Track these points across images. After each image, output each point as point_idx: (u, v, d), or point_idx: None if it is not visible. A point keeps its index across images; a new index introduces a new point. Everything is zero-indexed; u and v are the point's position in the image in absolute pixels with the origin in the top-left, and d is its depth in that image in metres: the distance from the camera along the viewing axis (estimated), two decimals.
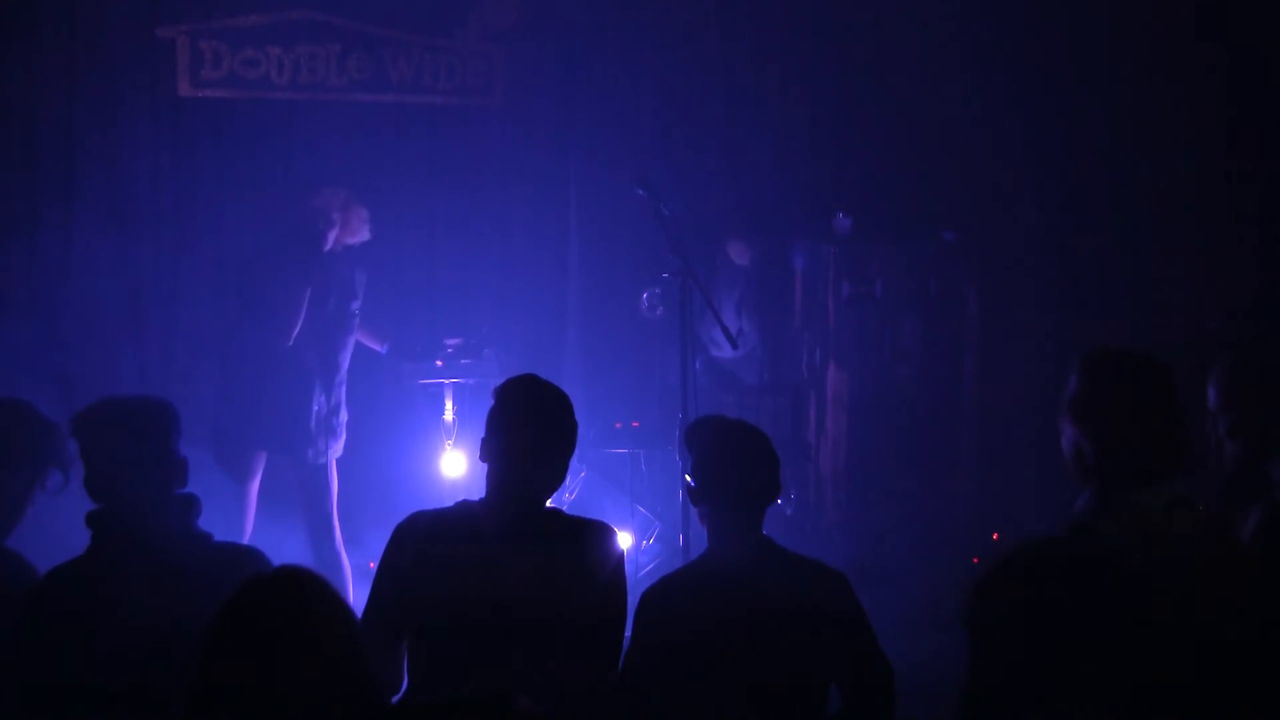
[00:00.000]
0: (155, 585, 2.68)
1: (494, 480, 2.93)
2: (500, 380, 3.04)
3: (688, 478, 3.09)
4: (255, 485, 5.43)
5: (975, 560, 6.05)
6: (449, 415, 6.05)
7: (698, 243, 6.53)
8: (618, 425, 6.26)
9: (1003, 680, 2.29)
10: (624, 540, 5.22)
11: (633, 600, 2.98)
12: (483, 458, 2.96)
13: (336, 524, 5.52)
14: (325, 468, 5.49)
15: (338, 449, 5.54)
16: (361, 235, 5.55)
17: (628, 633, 2.97)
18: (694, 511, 3.12)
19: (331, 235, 5.42)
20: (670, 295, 5.77)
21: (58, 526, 3.38)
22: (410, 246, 6.59)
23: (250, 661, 1.80)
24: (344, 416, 5.56)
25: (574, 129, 6.88)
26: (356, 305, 5.54)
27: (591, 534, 2.95)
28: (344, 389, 5.56)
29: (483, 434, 2.96)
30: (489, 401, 3.00)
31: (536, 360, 5.96)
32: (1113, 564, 2.31)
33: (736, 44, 7.05)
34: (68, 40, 5.99)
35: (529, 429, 2.92)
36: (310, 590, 1.90)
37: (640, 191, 5.22)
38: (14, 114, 5.95)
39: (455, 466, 5.97)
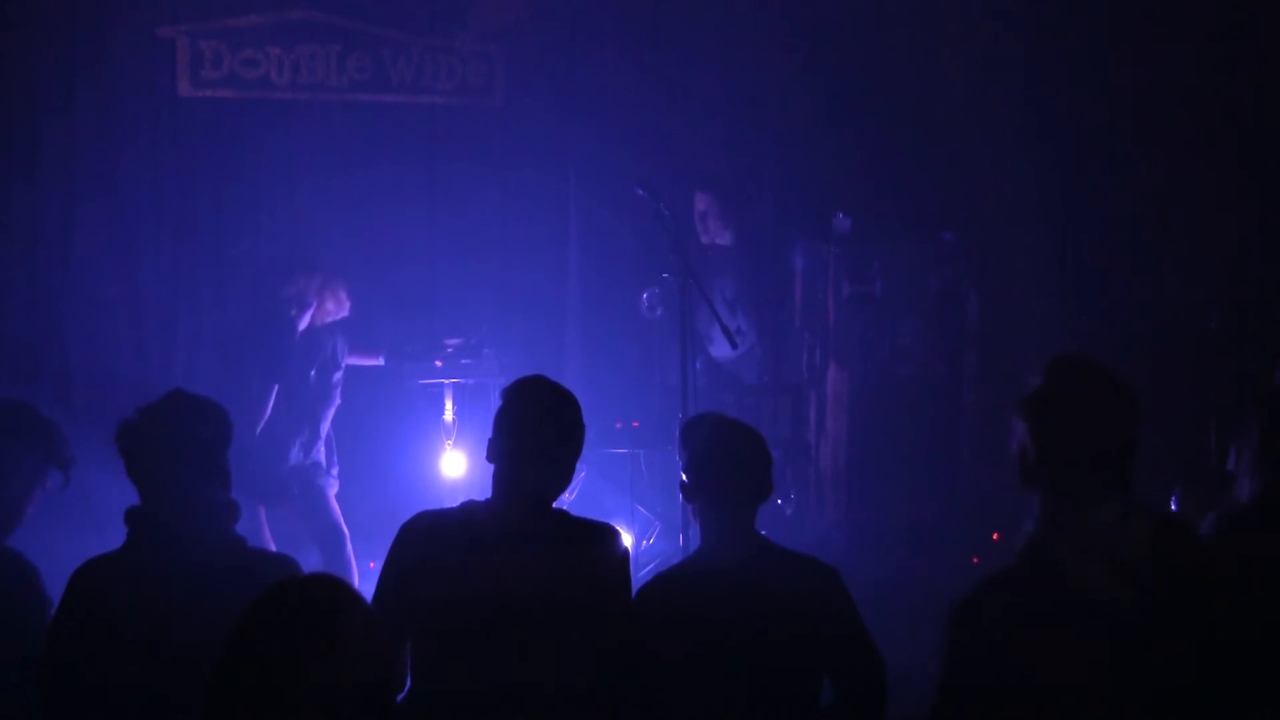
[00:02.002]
0: (188, 585, 2.69)
1: (500, 481, 2.94)
2: (500, 380, 3.05)
3: (683, 475, 3.10)
4: (265, 534, 5.46)
5: (975, 560, 6.06)
6: (449, 415, 6.04)
7: (697, 243, 6.55)
8: (618, 425, 6.25)
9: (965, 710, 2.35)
10: (624, 540, 5.22)
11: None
12: (490, 458, 2.97)
13: (345, 534, 5.53)
14: (320, 490, 5.52)
15: (332, 485, 5.59)
16: (342, 312, 5.59)
17: None
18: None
19: (307, 316, 5.47)
20: (670, 295, 5.77)
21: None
22: (410, 246, 6.59)
23: (274, 662, 1.79)
24: (333, 466, 5.62)
25: (574, 129, 6.87)
26: (338, 376, 5.59)
27: (596, 535, 2.95)
28: (327, 445, 5.62)
29: (490, 434, 2.96)
30: (489, 401, 3.01)
31: (536, 360, 5.95)
32: (1074, 599, 2.30)
33: (736, 44, 7.04)
34: (68, 40, 5.99)
35: (536, 430, 2.92)
36: (339, 596, 1.89)
37: (640, 192, 5.22)
38: (14, 114, 5.96)
39: (455, 466, 5.96)
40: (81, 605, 2.77)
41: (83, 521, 3.95)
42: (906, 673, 3.10)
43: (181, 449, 2.80)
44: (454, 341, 6.06)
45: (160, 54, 6.17)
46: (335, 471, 5.65)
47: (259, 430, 5.36)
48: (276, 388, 5.39)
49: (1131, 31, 6.79)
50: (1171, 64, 6.73)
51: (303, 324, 5.47)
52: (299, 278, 5.45)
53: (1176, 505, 3.99)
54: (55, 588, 2.90)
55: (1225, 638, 2.35)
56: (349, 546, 5.52)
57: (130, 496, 2.88)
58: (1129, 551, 2.32)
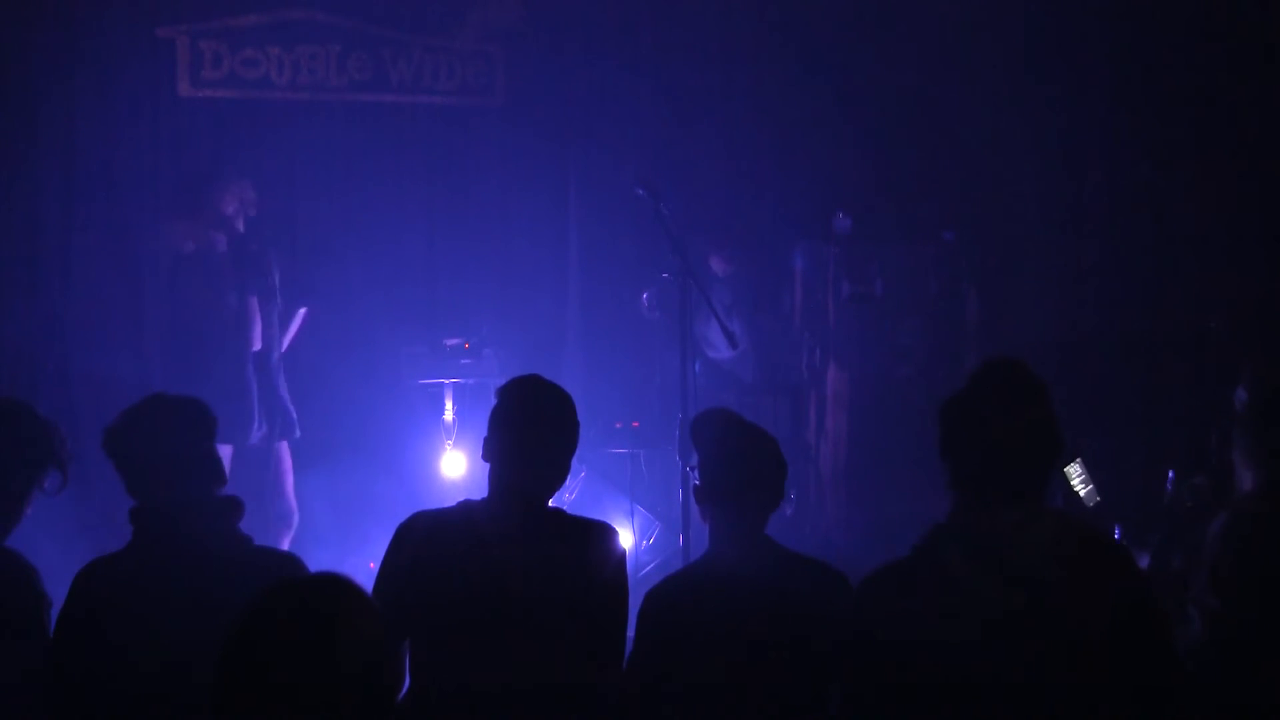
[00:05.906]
0: (196, 585, 2.68)
1: (496, 480, 2.94)
2: (500, 380, 3.05)
3: (690, 470, 3.09)
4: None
5: None
6: (449, 415, 6.05)
7: (698, 243, 6.55)
8: (618, 425, 6.26)
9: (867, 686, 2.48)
10: (624, 540, 5.21)
11: (633, 600, 2.98)
12: (485, 457, 2.96)
13: (289, 485, 5.60)
14: (274, 453, 5.53)
15: (290, 434, 5.60)
16: (252, 200, 5.63)
17: (630, 633, 2.97)
18: (694, 511, 3.11)
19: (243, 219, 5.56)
20: (670, 295, 5.78)
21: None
22: (410, 246, 6.59)
23: (272, 661, 1.78)
24: (289, 403, 5.62)
25: (574, 129, 6.88)
26: (268, 281, 5.59)
27: (593, 534, 2.95)
28: (280, 373, 5.60)
29: (485, 433, 2.96)
30: (489, 401, 3.00)
31: (536, 360, 5.96)
32: (954, 597, 2.37)
33: (736, 44, 7.05)
34: (68, 40, 5.99)
35: (531, 429, 2.92)
36: (339, 595, 1.87)
37: (640, 192, 5.22)
38: (14, 114, 5.96)
39: (455, 466, 5.98)
40: (86, 606, 2.76)
41: (81, 521, 3.94)
42: None
43: (166, 449, 2.80)
44: (454, 341, 6.07)
45: (160, 54, 6.18)
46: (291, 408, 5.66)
47: (259, 345, 5.43)
48: (256, 297, 5.46)
49: (1131, 32, 6.79)
50: (1171, 64, 6.73)
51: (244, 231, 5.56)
52: (231, 185, 5.53)
53: (1171, 489, 3.99)
54: (54, 588, 2.90)
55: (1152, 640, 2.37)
56: (290, 491, 5.57)
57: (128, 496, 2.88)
58: (1022, 556, 2.36)
